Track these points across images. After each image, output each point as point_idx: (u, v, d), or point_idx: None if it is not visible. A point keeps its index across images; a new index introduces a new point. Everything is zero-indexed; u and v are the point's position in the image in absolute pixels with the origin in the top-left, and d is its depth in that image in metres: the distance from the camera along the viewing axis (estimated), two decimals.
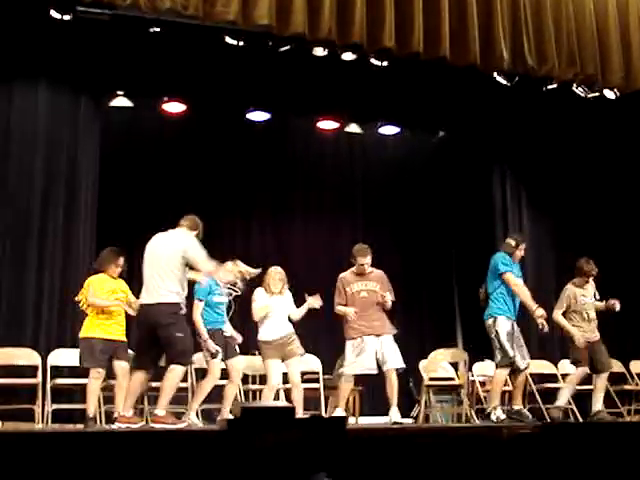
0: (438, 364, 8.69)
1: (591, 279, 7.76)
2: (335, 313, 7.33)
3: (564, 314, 7.66)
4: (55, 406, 7.24)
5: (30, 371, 7.34)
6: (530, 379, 8.44)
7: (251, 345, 7.68)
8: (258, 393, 7.92)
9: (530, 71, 8.04)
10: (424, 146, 10.69)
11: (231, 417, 5.42)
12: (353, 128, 9.91)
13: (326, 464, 4.31)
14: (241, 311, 7.41)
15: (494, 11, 7.86)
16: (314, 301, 7.24)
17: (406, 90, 8.84)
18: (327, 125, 9.77)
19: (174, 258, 6.13)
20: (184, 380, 7.03)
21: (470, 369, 8.49)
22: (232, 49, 7.54)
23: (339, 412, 7.16)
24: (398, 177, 10.62)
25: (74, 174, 8.01)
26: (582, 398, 8.21)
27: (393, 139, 10.29)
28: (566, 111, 9.04)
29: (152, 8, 6.84)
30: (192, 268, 6.26)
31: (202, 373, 7.21)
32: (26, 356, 7.35)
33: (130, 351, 6.87)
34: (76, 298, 6.97)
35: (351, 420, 8.17)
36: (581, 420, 8.19)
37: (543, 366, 8.96)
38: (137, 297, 6.61)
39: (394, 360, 7.12)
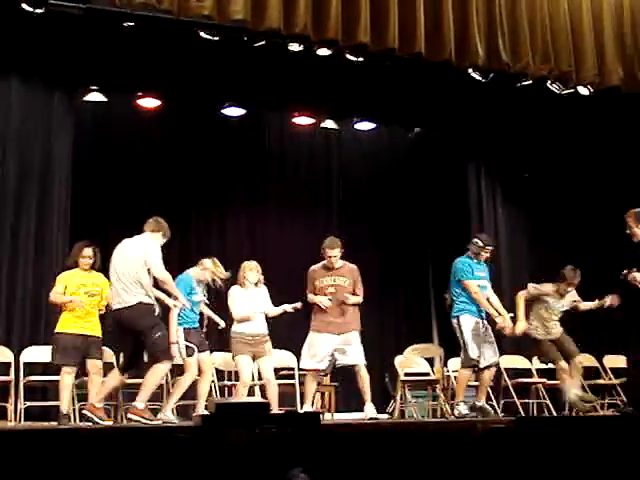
0: (413, 360, 8.73)
1: (572, 288, 7.58)
2: (310, 308, 7.28)
3: (531, 302, 7.57)
4: (28, 403, 7.20)
5: (3, 368, 7.28)
6: (505, 374, 8.49)
7: (227, 342, 7.64)
8: (233, 389, 7.89)
9: (505, 67, 8.07)
10: (400, 142, 10.73)
11: (206, 413, 5.41)
12: (329, 124, 9.87)
13: (302, 459, 4.31)
14: (219, 307, 7.40)
15: (469, 7, 7.89)
16: (291, 308, 7.27)
17: (382, 86, 8.82)
18: (303, 121, 9.73)
19: (138, 263, 6.20)
20: None
21: (445, 364, 8.51)
22: (207, 44, 7.50)
23: (307, 408, 7.09)
24: (374, 173, 10.62)
25: (47, 169, 7.94)
26: (555, 392, 8.27)
27: (369, 135, 10.30)
28: (541, 107, 9.07)
29: (126, 2, 6.80)
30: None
31: (178, 370, 7.17)
32: None
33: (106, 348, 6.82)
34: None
35: (327, 416, 8.18)
36: (555, 414, 8.27)
37: (517, 361, 9.02)
38: None
39: (356, 356, 7.04)
